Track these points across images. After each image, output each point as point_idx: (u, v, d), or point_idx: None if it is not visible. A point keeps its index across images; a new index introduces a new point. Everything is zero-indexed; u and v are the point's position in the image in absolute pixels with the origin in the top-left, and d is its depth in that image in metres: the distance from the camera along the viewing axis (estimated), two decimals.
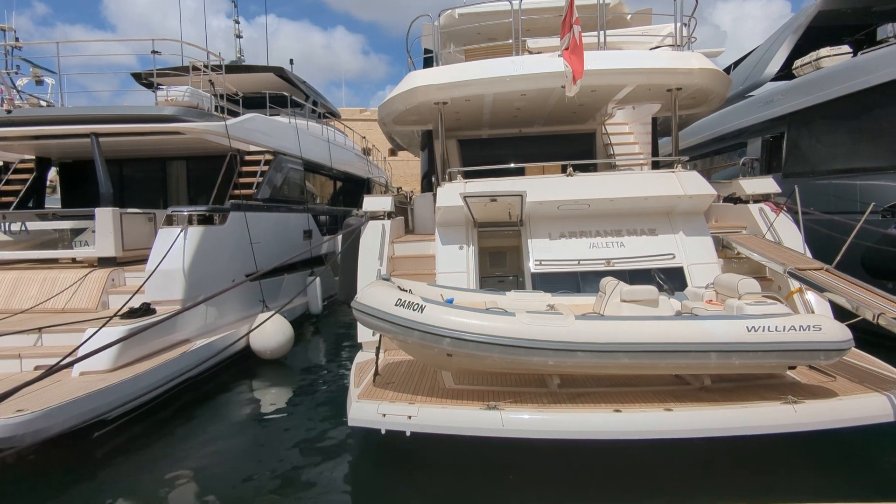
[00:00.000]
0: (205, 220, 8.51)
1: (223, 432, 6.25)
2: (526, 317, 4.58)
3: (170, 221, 8.23)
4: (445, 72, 8.72)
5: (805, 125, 10.93)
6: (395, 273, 7.94)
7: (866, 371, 5.42)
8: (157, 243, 8.02)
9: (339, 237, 9.51)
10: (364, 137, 21.39)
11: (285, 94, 13.92)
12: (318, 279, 11.46)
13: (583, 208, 7.87)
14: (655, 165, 10.59)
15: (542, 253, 7.80)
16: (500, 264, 8.83)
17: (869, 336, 5.70)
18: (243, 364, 8.75)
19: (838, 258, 6.50)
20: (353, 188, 17.97)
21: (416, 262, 8.26)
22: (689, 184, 7.79)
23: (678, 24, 8.93)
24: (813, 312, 6.66)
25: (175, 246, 7.95)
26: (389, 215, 8.72)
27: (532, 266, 7.69)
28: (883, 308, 5.01)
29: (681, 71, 8.42)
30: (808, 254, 7.21)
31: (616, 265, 7.51)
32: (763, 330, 4.50)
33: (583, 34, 7.49)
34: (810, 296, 6.63)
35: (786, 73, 12.32)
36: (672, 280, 7.32)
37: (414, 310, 4.61)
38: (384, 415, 4.69)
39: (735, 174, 13.42)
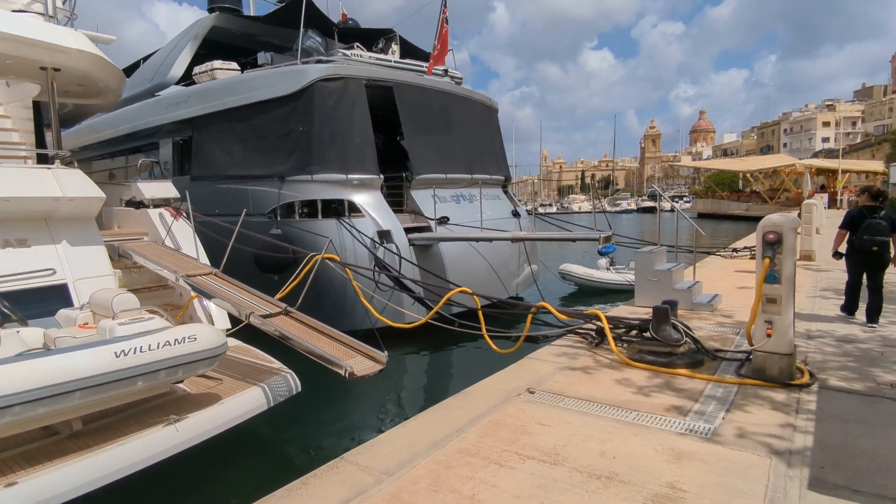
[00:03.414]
0: None
1: None
2: None
3: None
4: None
5: (207, 131, 11.50)
6: None
7: (252, 365, 5.91)
8: None
9: None
10: None
11: None
12: None
13: None
14: (43, 160, 8.69)
15: None
16: None
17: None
18: None
19: (224, 260, 6.93)
20: None
21: None
22: (69, 184, 6.62)
23: None
24: (211, 318, 6.92)
25: None
26: None
27: None
28: (253, 307, 5.56)
29: (54, 48, 7.02)
30: (204, 258, 7.44)
31: None
32: (134, 352, 4.07)
33: None
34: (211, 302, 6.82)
35: (190, 78, 12.63)
36: (55, 301, 6.06)
37: None
38: None
39: (160, 175, 12.88)
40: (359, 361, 4.78)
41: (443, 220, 10.78)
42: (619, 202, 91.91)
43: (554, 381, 4.61)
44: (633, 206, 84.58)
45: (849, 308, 6.67)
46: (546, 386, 4.48)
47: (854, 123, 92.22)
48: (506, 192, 13.93)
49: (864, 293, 6.42)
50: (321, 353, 4.73)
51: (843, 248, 6.58)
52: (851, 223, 6.39)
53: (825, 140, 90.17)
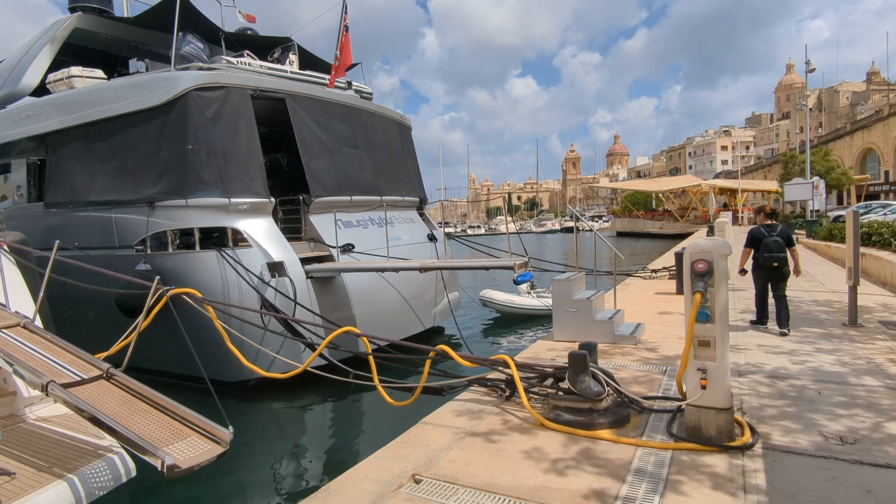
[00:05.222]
0: None
1: None
2: None
3: None
4: None
5: (63, 149, 9.76)
6: None
7: (70, 444, 4.50)
8: None
9: None
10: None
11: None
12: None
13: None
14: None
15: None
16: None
17: None
18: None
19: (38, 304, 5.46)
20: None
21: None
22: None
23: None
24: None
25: None
26: None
27: None
28: (58, 372, 4.17)
29: None
30: (26, 303, 5.87)
31: None
32: None
33: None
34: None
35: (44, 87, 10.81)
36: None
37: None
38: None
39: (14, 202, 10.84)
40: (189, 445, 3.54)
41: (347, 248, 9.64)
42: (543, 223, 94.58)
43: (449, 458, 3.60)
44: (557, 227, 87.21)
45: (759, 320, 7.14)
46: (438, 469, 3.45)
47: (748, 147, 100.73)
48: (421, 215, 13.02)
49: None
50: (129, 437, 3.44)
51: (747, 265, 7.11)
52: (754, 242, 6.87)
53: (724, 162, 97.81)
